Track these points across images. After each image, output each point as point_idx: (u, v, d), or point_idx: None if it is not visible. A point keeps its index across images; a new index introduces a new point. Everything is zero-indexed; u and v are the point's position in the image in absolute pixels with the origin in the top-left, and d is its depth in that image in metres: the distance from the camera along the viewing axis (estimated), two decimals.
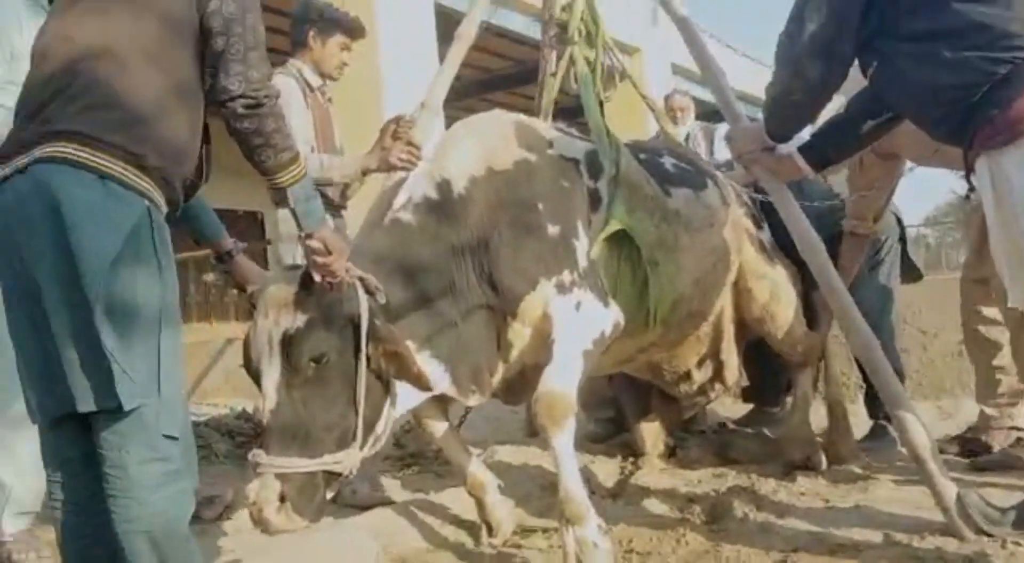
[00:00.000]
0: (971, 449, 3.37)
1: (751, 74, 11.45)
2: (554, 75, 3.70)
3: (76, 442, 1.76)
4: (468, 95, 10.96)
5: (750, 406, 4.47)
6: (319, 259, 1.96)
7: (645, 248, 2.71)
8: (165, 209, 1.78)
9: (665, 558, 2.52)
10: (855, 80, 2.56)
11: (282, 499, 1.95)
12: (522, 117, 2.95)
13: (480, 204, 2.50)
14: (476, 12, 3.77)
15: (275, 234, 3.34)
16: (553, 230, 2.54)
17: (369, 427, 2.14)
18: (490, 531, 2.70)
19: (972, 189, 2.69)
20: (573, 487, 2.37)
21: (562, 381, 2.42)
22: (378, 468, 3.38)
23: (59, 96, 1.69)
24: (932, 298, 4.62)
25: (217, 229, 2.19)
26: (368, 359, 2.09)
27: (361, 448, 2.10)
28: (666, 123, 4.03)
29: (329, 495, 2.09)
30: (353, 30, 3.39)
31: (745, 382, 4.43)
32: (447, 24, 3.81)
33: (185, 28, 1.77)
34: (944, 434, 3.61)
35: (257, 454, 1.99)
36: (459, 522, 2.87)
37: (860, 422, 3.92)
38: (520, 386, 2.66)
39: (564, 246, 2.54)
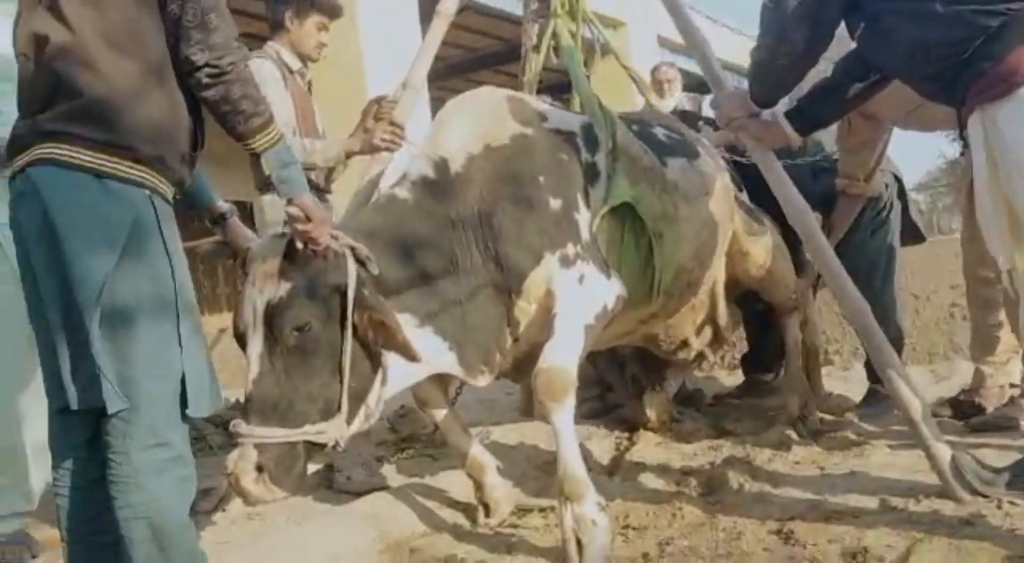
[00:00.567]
0: (964, 411, 3.37)
1: (733, 45, 11.42)
2: (536, 49, 3.66)
3: (82, 429, 1.79)
4: (452, 75, 10.88)
5: (743, 378, 4.49)
6: (300, 226, 1.96)
7: (649, 220, 2.69)
8: (171, 192, 1.80)
9: (662, 532, 2.52)
10: (838, 44, 2.54)
11: (260, 469, 1.94)
12: (514, 92, 2.92)
13: (479, 181, 2.49)
14: None
15: (261, 221, 3.30)
16: (555, 203, 2.52)
17: (356, 398, 2.12)
18: (487, 512, 2.72)
19: (966, 145, 2.67)
20: (573, 464, 2.36)
21: (562, 356, 2.41)
22: (373, 453, 3.37)
23: (44, 96, 1.71)
24: (924, 262, 4.62)
25: (209, 194, 2.19)
26: (355, 328, 2.07)
27: (348, 420, 2.08)
28: (651, 95, 3.99)
29: (315, 466, 2.07)
30: (330, 9, 3.33)
31: (744, 349, 4.47)
32: (429, 2, 3.77)
33: (146, 2, 1.74)
34: (938, 397, 3.62)
35: (237, 424, 1.98)
36: (455, 504, 2.87)
37: (854, 387, 3.94)
38: (528, 364, 2.62)
39: (567, 219, 2.53)
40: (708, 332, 3.44)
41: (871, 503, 2.48)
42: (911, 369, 3.49)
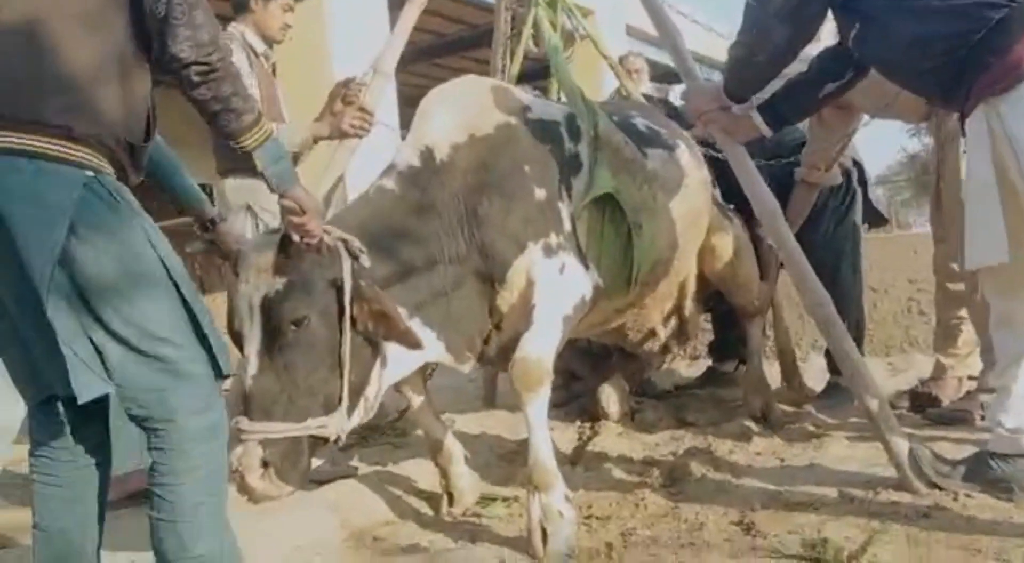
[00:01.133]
0: (922, 403, 3.44)
1: (700, 39, 11.54)
2: (513, 37, 3.64)
3: (64, 418, 1.77)
4: (419, 60, 10.77)
5: (704, 367, 4.54)
6: (294, 219, 1.95)
7: (629, 211, 2.70)
8: (112, 173, 1.73)
9: (625, 522, 2.53)
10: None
11: (265, 465, 1.94)
12: (497, 82, 2.90)
13: (464, 170, 2.48)
14: None
15: (223, 204, 3.24)
16: (539, 193, 2.53)
17: (357, 390, 2.12)
18: (451, 501, 2.71)
19: (944, 146, 2.68)
20: (543, 454, 2.37)
21: (539, 347, 2.42)
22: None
23: None
24: (882, 256, 4.69)
25: (198, 198, 2.18)
26: (354, 321, 2.07)
27: (349, 412, 2.08)
28: (628, 83, 3.99)
29: (316, 463, 2.07)
30: None
31: (711, 338, 4.51)
32: None
33: None
34: (895, 389, 3.69)
35: (239, 420, 1.96)
36: (419, 493, 2.86)
37: (812, 378, 4.00)
38: (507, 352, 2.63)
39: (550, 209, 2.54)
40: (674, 322, 3.46)
41: (831, 494, 2.52)
42: (869, 361, 3.56)
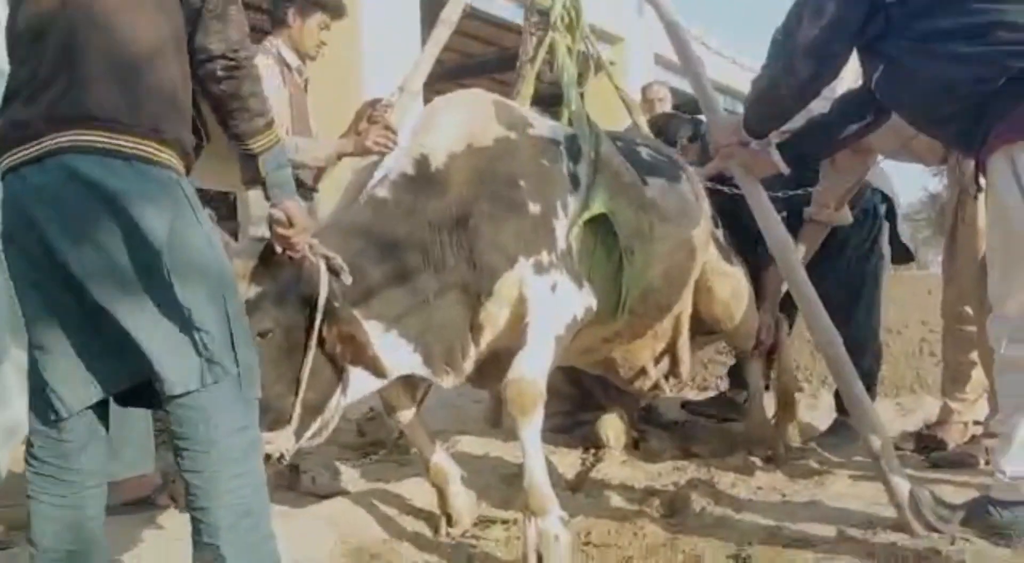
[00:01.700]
0: (927, 445, 3.42)
1: (723, 70, 11.68)
2: (532, 61, 3.69)
3: (81, 430, 1.73)
4: (446, 79, 10.87)
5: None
6: (280, 231, 1.95)
7: (623, 236, 2.70)
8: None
9: (623, 550, 2.53)
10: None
11: None
12: (501, 97, 2.94)
13: (459, 180, 2.48)
14: None
15: (244, 216, 3.29)
16: (534, 209, 2.52)
17: (312, 410, 2.10)
18: (449, 522, 2.71)
19: (966, 192, 2.69)
20: (538, 478, 2.36)
21: (532, 368, 2.40)
22: (338, 456, 3.36)
23: (62, 75, 1.62)
24: (899, 295, 4.67)
25: None
26: (322, 340, 2.06)
27: (297, 433, 2.06)
28: (639, 116, 4.02)
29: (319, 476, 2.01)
30: (335, 9, 3.34)
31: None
32: (432, 6, 3.80)
33: None
34: (902, 430, 3.68)
35: None
36: (418, 512, 2.86)
37: (820, 415, 3.98)
38: (491, 370, 2.63)
39: (544, 226, 2.53)
40: (666, 362, 3.43)
41: (829, 532, 2.51)
42: (877, 402, 3.54)
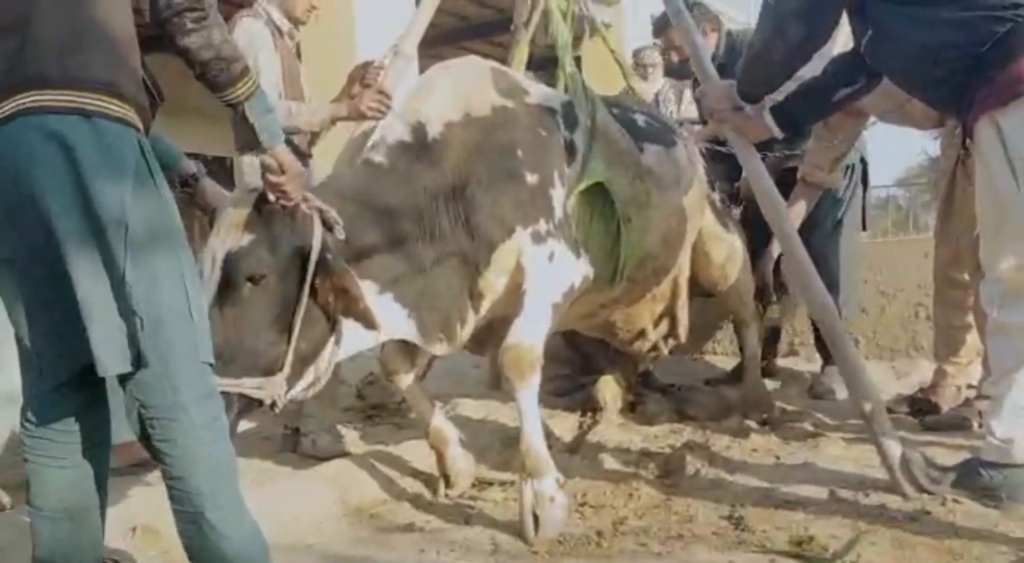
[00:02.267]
0: (921, 408, 3.46)
1: None
2: (526, 25, 3.65)
3: (76, 395, 1.73)
4: (442, 43, 10.74)
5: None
6: (272, 178, 1.94)
7: (620, 203, 2.71)
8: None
9: (617, 511, 2.57)
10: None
11: None
12: (498, 65, 2.91)
13: (456, 149, 2.48)
14: None
15: (240, 182, 3.28)
16: (531, 178, 2.52)
17: (304, 360, 2.11)
18: (448, 483, 2.75)
19: (968, 155, 2.69)
20: (535, 441, 2.41)
21: (530, 334, 2.44)
22: (339, 419, 3.40)
23: (16, 37, 1.60)
24: (894, 259, 4.68)
25: (176, 157, 2.13)
26: (315, 292, 2.07)
27: (289, 381, 2.07)
28: (633, 80, 4.00)
29: (250, 424, 2.02)
30: None
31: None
32: None
33: None
34: (896, 393, 3.71)
35: None
36: (417, 474, 2.91)
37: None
38: (487, 336, 2.67)
39: (542, 195, 2.53)
40: (665, 324, 3.47)
41: (821, 494, 2.55)
42: (872, 365, 3.58)
